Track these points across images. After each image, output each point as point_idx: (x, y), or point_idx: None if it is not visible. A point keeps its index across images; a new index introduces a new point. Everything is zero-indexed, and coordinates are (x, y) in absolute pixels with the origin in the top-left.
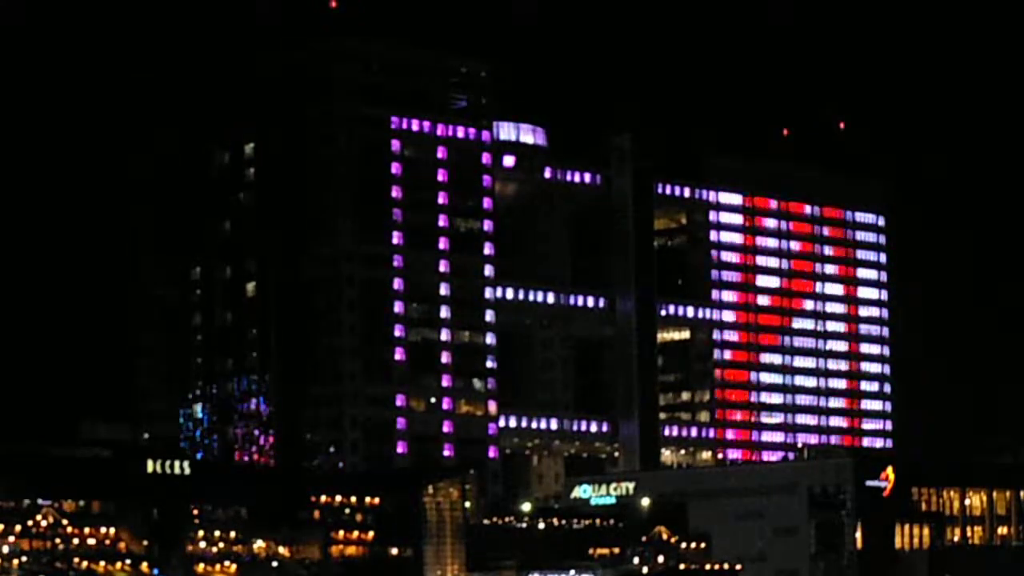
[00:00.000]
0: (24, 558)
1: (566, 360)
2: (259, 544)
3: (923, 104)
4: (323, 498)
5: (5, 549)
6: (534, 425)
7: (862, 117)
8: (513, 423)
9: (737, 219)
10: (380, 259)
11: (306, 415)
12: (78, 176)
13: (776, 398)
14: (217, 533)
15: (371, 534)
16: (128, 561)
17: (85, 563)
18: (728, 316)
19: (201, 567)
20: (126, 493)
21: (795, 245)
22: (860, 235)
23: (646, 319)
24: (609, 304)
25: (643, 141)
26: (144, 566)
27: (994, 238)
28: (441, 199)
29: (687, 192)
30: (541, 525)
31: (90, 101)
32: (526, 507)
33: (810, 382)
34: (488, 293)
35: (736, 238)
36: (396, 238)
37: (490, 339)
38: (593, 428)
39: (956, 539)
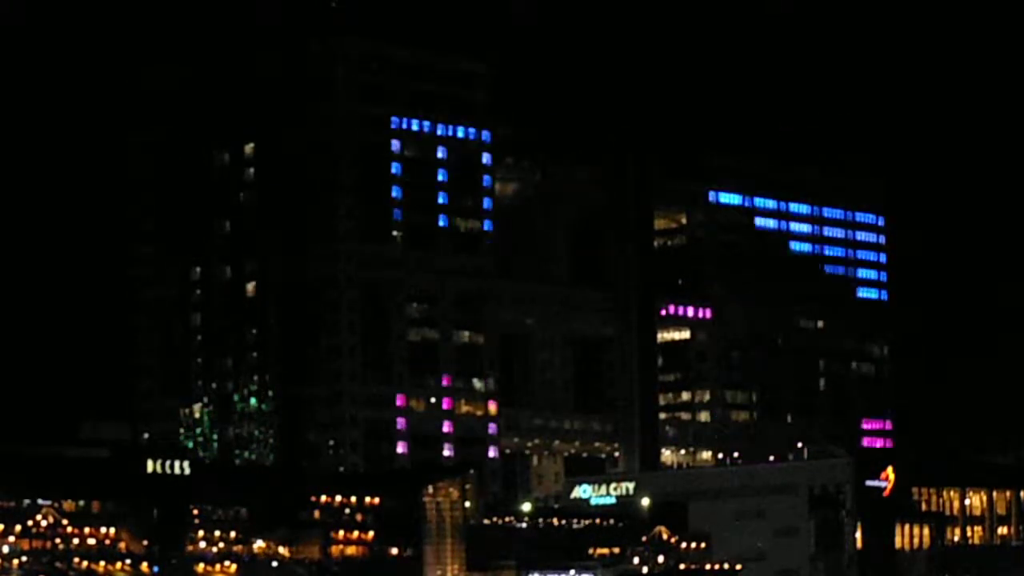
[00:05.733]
0: (24, 558)
1: (566, 360)
2: (259, 544)
3: (923, 104)
4: (323, 498)
5: (5, 549)
6: (534, 425)
7: (862, 117)
8: (513, 423)
9: (737, 219)
10: (380, 259)
11: (306, 415)
12: (78, 176)
13: None
14: (217, 533)
15: (371, 534)
16: (128, 561)
17: (85, 563)
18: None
19: (201, 567)
20: (126, 493)
21: (795, 245)
22: (860, 235)
23: (646, 319)
24: (609, 304)
25: (643, 141)
26: (144, 566)
27: (994, 237)
28: (441, 199)
29: (687, 192)
30: (541, 525)
31: (90, 101)
32: (526, 507)
33: None
34: (488, 293)
35: (736, 238)
36: (396, 238)
37: (490, 339)
38: (593, 428)
39: (956, 539)
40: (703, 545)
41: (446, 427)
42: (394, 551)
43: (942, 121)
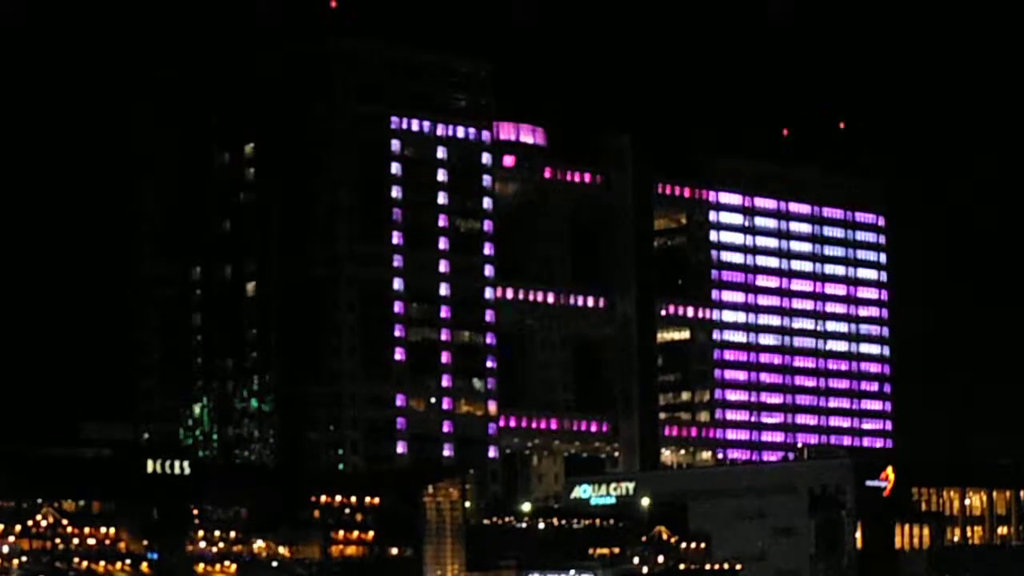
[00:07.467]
0: (24, 558)
1: (566, 360)
2: (259, 544)
3: (922, 105)
4: (323, 498)
5: (5, 549)
6: (534, 425)
7: (862, 117)
8: (513, 423)
9: (737, 219)
10: (380, 259)
11: (306, 415)
12: (78, 176)
13: (776, 398)
14: (217, 533)
15: (371, 534)
16: (128, 561)
17: (85, 563)
18: (728, 316)
19: (201, 567)
20: (126, 493)
21: (795, 245)
22: (860, 235)
23: (646, 319)
24: (609, 304)
25: (643, 141)
26: (144, 566)
27: (994, 237)
28: (441, 199)
29: (687, 192)
30: (541, 525)
31: (90, 101)
32: (526, 507)
33: (810, 382)
34: (488, 293)
35: (736, 238)
36: (396, 238)
37: (490, 339)
38: (593, 428)
39: (956, 539)
40: (703, 545)
41: (446, 427)
42: (394, 551)
43: (942, 121)
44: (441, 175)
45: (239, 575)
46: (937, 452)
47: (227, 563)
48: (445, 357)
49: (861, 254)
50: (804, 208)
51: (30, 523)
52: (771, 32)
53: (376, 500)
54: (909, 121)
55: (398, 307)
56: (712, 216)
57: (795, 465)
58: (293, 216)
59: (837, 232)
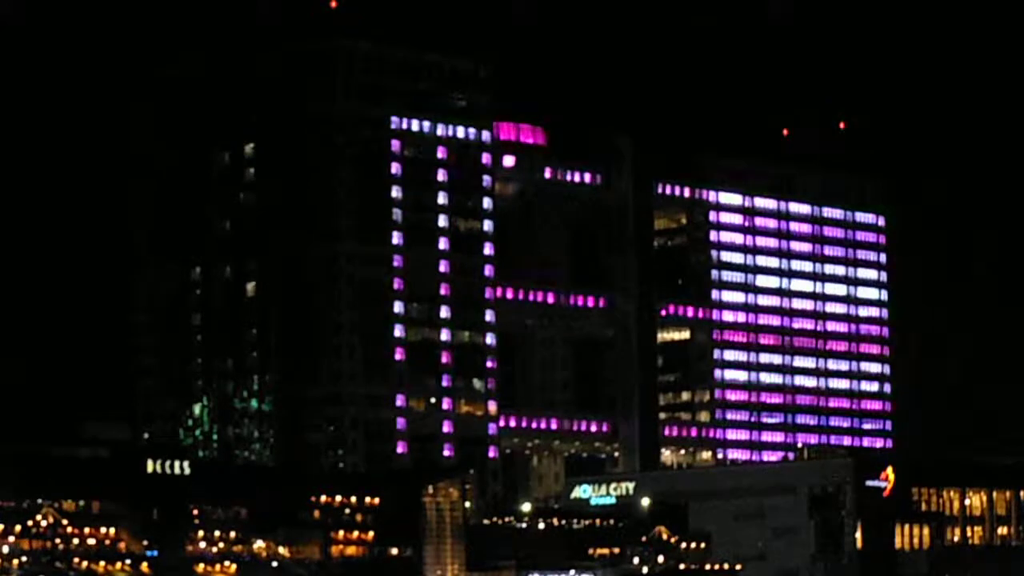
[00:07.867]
0: (24, 558)
1: (566, 360)
2: (259, 544)
3: (923, 104)
4: (323, 498)
5: (5, 549)
6: (534, 425)
7: (862, 117)
8: (513, 423)
9: (737, 219)
10: (380, 259)
11: (306, 415)
12: (78, 176)
13: (776, 398)
14: (217, 533)
15: (371, 534)
16: (128, 561)
17: (85, 563)
18: (728, 316)
19: (201, 567)
20: (126, 493)
21: (795, 245)
22: (860, 235)
23: (646, 319)
24: (609, 304)
25: (643, 141)
26: (144, 566)
27: (994, 238)
28: (441, 199)
29: (687, 192)
30: (541, 525)
31: (89, 101)
32: (526, 507)
33: (810, 382)
34: (488, 293)
35: (736, 238)
36: (396, 238)
37: (490, 339)
38: (593, 428)
39: (956, 539)
40: (703, 545)
41: (446, 427)
42: (394, 551)
43: (942, 121)
44: (441, 175)
45: (239, 575)
46: (937, 452)
47: (227, 563)
48: (445, 357)
49: (861, 254)
50: (804, 208)
51: (30, 523)
52: (771, 32)
53: (376, 500)
54: (909, 121)
55: (398, 307)
56: (712, 216)
57: (795, 465)
58: (293, 216)
59: (837, 232)
